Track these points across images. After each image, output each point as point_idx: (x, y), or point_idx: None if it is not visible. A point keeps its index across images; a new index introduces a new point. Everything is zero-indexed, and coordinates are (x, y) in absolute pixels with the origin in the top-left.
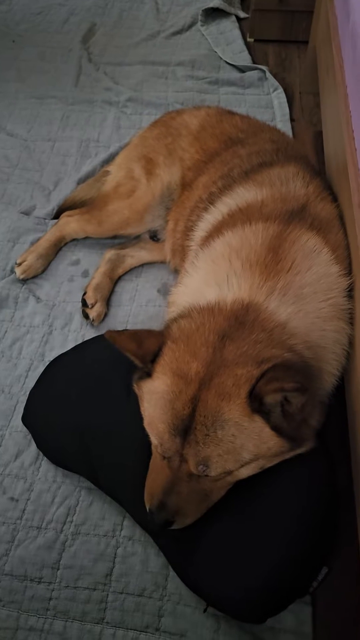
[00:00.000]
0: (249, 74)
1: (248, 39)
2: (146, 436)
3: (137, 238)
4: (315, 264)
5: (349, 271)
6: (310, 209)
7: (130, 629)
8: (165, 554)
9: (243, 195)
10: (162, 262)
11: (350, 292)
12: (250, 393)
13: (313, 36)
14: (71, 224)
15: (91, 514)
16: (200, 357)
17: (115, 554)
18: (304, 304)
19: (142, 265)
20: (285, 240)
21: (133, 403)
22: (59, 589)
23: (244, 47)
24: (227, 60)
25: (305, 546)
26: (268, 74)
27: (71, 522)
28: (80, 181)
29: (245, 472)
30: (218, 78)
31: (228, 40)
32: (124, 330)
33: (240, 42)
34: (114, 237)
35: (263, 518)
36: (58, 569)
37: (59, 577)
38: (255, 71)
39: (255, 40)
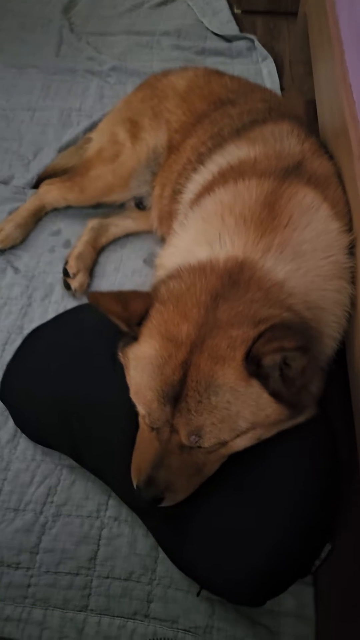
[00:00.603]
0: (236, 43)
1: (235, 11)
2: (133, 407)
3: (122, 207)
4: (314, 220)
5: (349, 228)
6: (307, 166)
7: (117, 616)
8: (154, 534)
9: (234, 152)
10: (149, 232)
11: (351, 250)
12: (246, 355)
13: (303, 2)
14: (52, 192)
15: (73, 493)
16: (192, 318)
17: (99, 536)
18: (303, 261)
19: (127, 235)
20: (282, 196)
21: (118, 373)
22: (38, 574)
23: (231, 18)
24: (214, 31)
25: (307, 522)
26: (257, 43)
27: (52, 502)
28: (62, 150)
29: (241, 443)
30: (205, 47)
31: (215, 11)
32: (107, 291)
33: (227, 12)
34: (98, 206)
35: (260, 493)
36: (37, 553)
37: (38, 562)
38: (244, 40)
39: (242, 12)
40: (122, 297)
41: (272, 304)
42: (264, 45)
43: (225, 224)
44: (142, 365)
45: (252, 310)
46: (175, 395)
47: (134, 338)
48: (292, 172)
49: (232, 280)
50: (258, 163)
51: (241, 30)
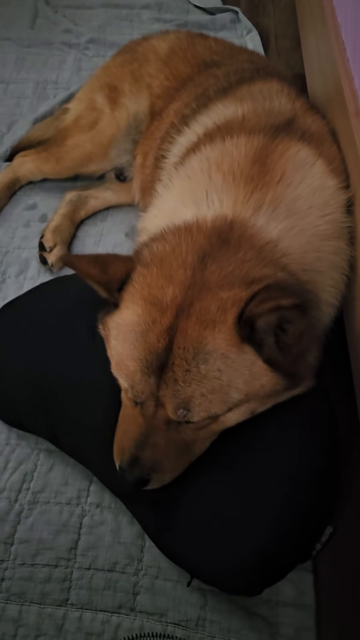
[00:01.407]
0: (220, 16)
1: None
2: (115, 384)
3: (102, 178)
4: (309, 176)
5: (347, 185)
6: (299, 122)
7: (100, 611)
8: (140, 520)
9: (221, 112)
10: (130, 205)
11: (349, 208)
12: (238, 318)
13: None
14: (26, 164)
15: (51, 479)
16: (177, 280)
17: (80, 524)
18: (298, 219)
19: (107, 208)
20: (273, 152)
21: (99, 348)
22: (13, 567)
23: None
24: (196, 4)
25: (306, 503)
26: (241, 15)
27: (28, 489)
28: (37, 121)
29: (233, 418)
30: (187, 21)
31: None
32: (84, 254)
33: None
34: (75, 178)
35: (254, 473)
36: (12, 545)
37: (13, 554)
38: (227, 13)
39: None
40: (100, 260)
41: (265, 264)
42: (249, 20)
43: (212, 182)
44: (123, 333)
45: (244, 271)
46: (161, 364)
47: (115, 305)
48: (283, 129)
49: (221, 239)
50: (246, 121)
51: (224, 3)
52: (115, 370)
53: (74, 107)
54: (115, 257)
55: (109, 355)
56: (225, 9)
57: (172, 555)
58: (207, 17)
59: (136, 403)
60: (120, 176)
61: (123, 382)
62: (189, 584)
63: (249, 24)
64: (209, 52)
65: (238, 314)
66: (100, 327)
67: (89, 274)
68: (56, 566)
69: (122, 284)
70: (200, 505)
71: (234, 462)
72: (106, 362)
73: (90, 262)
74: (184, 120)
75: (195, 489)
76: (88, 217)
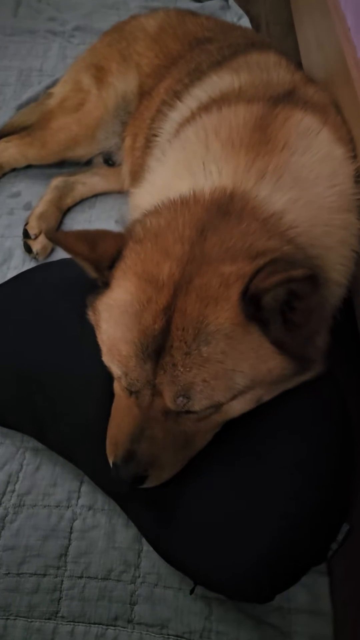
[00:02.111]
0: (209, 3)
1: None
2: (107, 374)
3: (89, 164)
4: (315, 144)
5: (354, 154)
6: (300, 93)
7: (94, 624)
8: (136, 523)
9: (216, 84)
10: (120, 192)
11: (358, 179)
12: (243, 294)
13: None
14: (9, 150)
15: (39, 480)
16: (174, 255)
17: (71, 529)
18: (304, 190)
19: (96, 195)
20: (275, 120)
21: (89, 336)
22: None
23: None
24: None
25: (319, 499)
26: (231, 2)
27: (12, 491)
28: (20, 108)
29: (237, 407)
30: (175, 8)
31: None
32: (72, 230)
33: None
34: (62, 165)
35: (261, 467)
36: None
37: None
38: (217, 0)
39: None
40: (89, 237)
41: (270, 236)
42: (238, 7)
43: (210, 152)
44: (115, 315)
45: (247, 244)
46: (158, 348)
47: (105, 284)
48: (284, 99)
49: (221, 211)
50: (243, 92)
51: None
52: (106, 357)
53: (59, 89)
54: (105, 233)
55: (100, 341)
56: None
57: (172, 560)
58: (196, 4)
59: (131, 392)
60: (109, 160)
61: (116, 370)
62: (191, 592)
63: (239, 11)
64: (201, 28)
65: (242, 290)
66: (90, 312)
67: (77, 251)
68: (45, 575)
69: (113, 262)
70: (203, 504)
71: (238, 456)
72: (96, 351)
73: (78, 238)
74: (177, 96)
75: (196, 487)
76: (75, 204)
